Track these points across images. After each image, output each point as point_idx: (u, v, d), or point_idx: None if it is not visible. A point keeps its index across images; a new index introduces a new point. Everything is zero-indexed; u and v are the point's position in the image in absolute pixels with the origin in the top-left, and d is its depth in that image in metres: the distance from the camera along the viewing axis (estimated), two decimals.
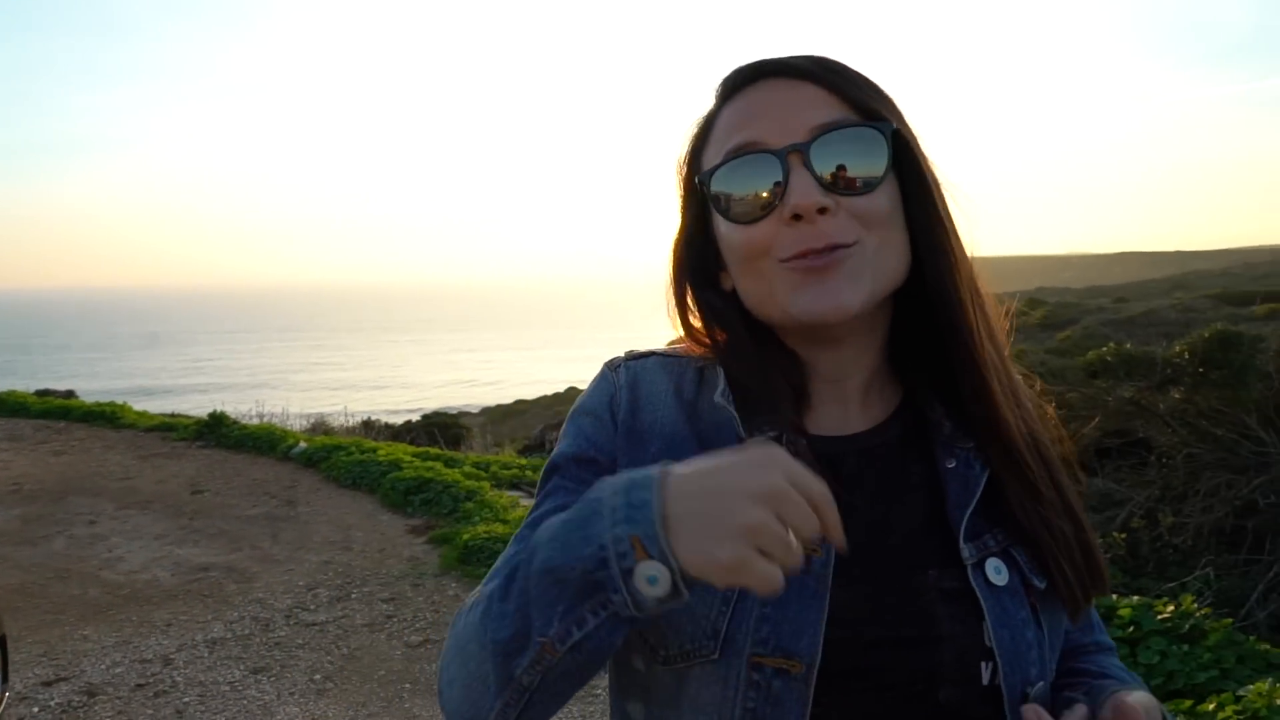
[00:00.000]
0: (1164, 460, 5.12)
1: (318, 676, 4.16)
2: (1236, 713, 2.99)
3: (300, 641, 4.54)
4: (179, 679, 4.12)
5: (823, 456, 0.77)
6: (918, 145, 0.79)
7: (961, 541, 0.75)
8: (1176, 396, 5.15)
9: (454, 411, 21.64)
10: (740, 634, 0.71)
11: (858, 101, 0.76)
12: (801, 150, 0.73)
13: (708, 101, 0.84)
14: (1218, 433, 4.86)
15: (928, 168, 0.78)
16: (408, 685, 4.08)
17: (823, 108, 0.75)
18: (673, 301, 0.87)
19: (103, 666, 4.25)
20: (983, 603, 0.72)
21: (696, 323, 0.86)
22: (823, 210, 0.72)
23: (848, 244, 0.73)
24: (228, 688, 4.04)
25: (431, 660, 4.34)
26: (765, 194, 0.74)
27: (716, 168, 0.77)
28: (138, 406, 11.80)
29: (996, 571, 0.74)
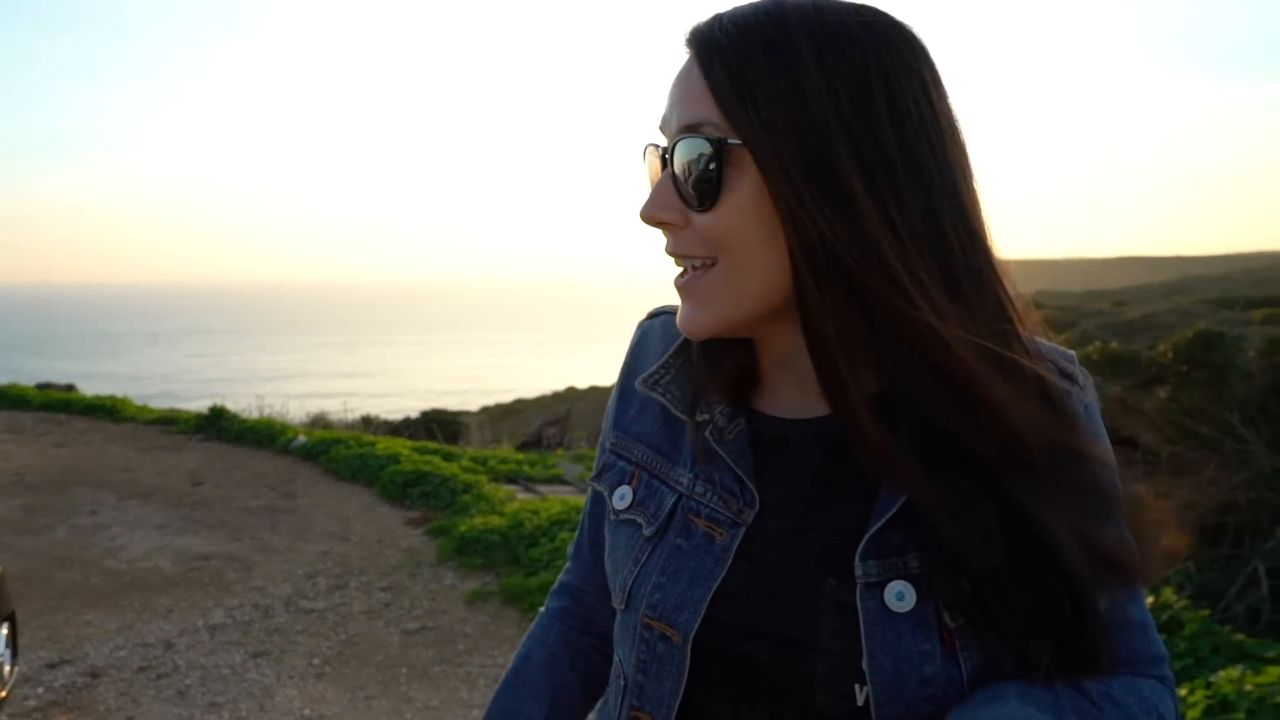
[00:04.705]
0: (1149, 458, 5.22)
1: (316, 661, 4.25)
2: (1206, 698, 3.09)
3: (299, 628, 4.63)
4: (181, 662, 4.21)
5: (766, 436, 0.76)
6: (787, 149, 0.64)
7: (858, 558, 0.68)
8: (1162, 395, 5.26)
9: (453, 410, 21.70)
10: (639, 594, 0.76)
11: (722, 98, 0.66)
12: (666, 153, 0.70)
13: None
14: (1201, 431, 4.96)
15: (781, 183, 0.64)
16: (404, 670, 4.17)
17: (695, 102, 0.67)
18: None
19: (105, 650, 4.34)
20: (862, 625, 0.67)
21: None
22: (662, 224, 0.70)
23: (701, 260, 0.69)
24: (229, 671, 4.13)
25: (427, 646, 4.43)
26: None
27: (645, 150, 0.75)
28: (137, 402, 11.91)
29: (899, 596, 0.67)
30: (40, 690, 3.92)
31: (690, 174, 0.67)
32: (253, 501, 7.09)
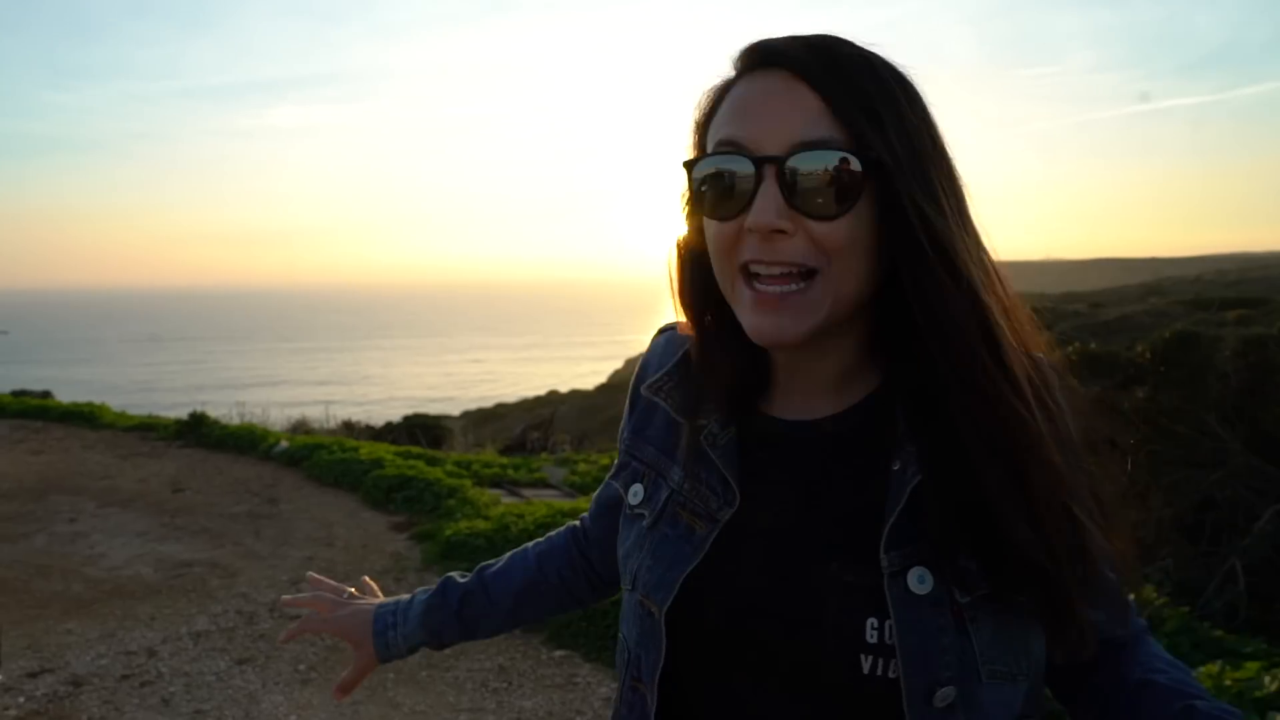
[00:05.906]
0: (1128, 457, 5.28)
1: (302, 667, 4.22)
2: None
3: None
4: (164, 670, 4.17)
5: (767, 437, 0.85)
6: (907, 169, 0.73)
7: (883, 550, 0.75)
8: (1140, 395, 5.34)
9: (434, 415, 21.60)
10: (640, 577, 0.87)
11: (848, 116, 0.73)
12: (776, 164, 0.73)
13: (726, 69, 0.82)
14: (1179, 430, 5.04)
15: (912, 197, 0.73)
16: (391, 675, 4.15)
17: (809, 119, 0.73)
18: (674, 260, 0.88)
19: (87, 658, 4.29)
20: (890, 609, 0.74)
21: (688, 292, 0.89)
22: (779, 231, 0.73)
23: (804, 267, 0.74)
24: (213, 678, 4.10)
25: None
26: (737, 197, 0.75)
27: (699, 159, 0.78)
28: (114, 408, 11.77)
29: (919, 580, 0.74)
30: (21, 700, 3.87)
31: (816, 186, 0.73)
32: (235, 508, 7.03)
